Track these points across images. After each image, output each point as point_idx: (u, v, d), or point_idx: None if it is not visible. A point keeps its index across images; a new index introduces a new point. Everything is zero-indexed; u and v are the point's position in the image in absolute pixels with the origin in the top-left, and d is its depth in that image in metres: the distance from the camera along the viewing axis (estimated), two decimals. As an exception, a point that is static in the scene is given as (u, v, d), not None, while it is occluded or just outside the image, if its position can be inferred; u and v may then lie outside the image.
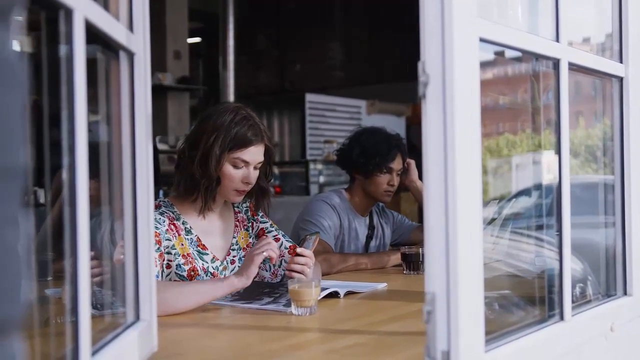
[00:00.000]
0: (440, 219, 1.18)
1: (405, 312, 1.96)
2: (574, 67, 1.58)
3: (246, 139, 2.19)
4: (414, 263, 2.66)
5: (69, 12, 1.00)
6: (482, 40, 1.25)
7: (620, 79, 1.82)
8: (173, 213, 2.24)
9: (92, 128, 1.10)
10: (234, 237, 2.36)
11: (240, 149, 2.19)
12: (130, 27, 1.36)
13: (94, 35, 1.12)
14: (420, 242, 2.97)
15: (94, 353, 1.09)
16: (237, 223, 2.40)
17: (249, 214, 2.44)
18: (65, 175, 1.01)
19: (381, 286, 2.36)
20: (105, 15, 1.17)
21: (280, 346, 1.59)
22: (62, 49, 1.02)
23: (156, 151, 4.84)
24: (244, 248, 2.37)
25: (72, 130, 1.01)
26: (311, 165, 7.49)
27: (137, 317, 1.38)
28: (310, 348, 1.61)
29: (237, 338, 1.71)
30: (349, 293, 2.19)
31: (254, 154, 2.22)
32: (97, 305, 1.36)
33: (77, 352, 1.01)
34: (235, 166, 2.20)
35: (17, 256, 0.60)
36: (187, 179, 2.22)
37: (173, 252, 2.17)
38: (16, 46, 0.61)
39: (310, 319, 1.85)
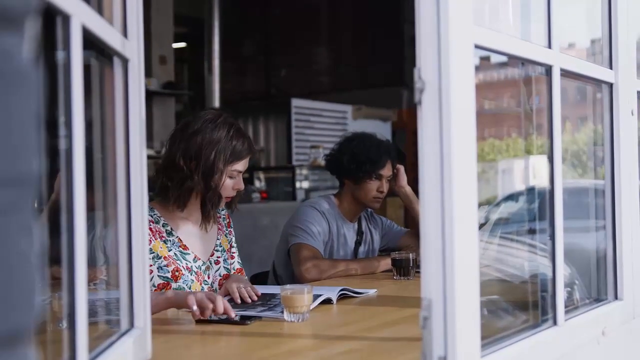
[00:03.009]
0: (436, 225, 1.18)
1: (397, 318, 1.96)
2: (565, 73, 1.60)
3: (243, 152, 2.31)
4: (404, 268, 2.66)
5: (66, 18, 0.99)
6: (477, 46, 1.26)
7: (610, 85, 1.84)
8: (152, 216, 2.27)
9: (85, 134, 1.09)
10: (218, 239, 2.44)
11: (238, 161, 2.30)
12: (125, 33, 1.35)
13: (88, 41, 1.11)
14: (409, 248, 2.98)
15: (90, 361, 1.09)
16: (220, 226, 2.48)
17: (225, 222, 2.53)
18: (62, 181, 1.01)
19: (372, 292, 2.36)
20: (101, 22, 1.17)
21: (274, 353, 1.59)
22: (59, 55, 1.02)
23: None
24: (227, 250, 2.46)
25: (69, 135, 1.00)
26: (297, 171, 7.46)
27: (132, 325, 1.37)
28: (305, 354, 1.60)
29: (231, 345, 1.70)
30: (342, 296, 2.20)
31: (246, 163, 2.35)
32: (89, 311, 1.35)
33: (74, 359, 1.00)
34: (231, 177, 2.31)
35: (31, 264, 0.59)
36: (185, 192, 2.26)
37: (151, 255, 2.20)
38: (30, 54, 0.61)
39: (302, 325, 1.84)
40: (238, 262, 2.52)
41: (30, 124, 0.59)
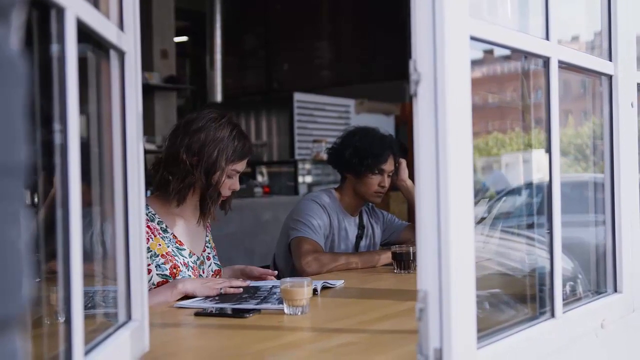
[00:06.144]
0: (432, 217, 1.18)
1: (396, 311, 1.96)
2: (563, 65, 1.59)
3: (245, 153, 2.35)
4: (404, 262, 2.66)
5: (60, 11, 0.99)
6: (473, 38, 1.25)
7: (610, 77, 1.83)
8: (147, 214, 2.29)
9: (81, 128, 1.09)
10: (207, 236, 2.49)
11: (239, 161, 2.34)
12: (121, 26, 1.35)
13: (84, 34, 1.11)
14: (410, 241, 2.98)
15: (86, 353, 1.09)
16: (208, 224, 2.51)
17: (209, 221, 2.54)
18: (57, 176, 1.01)
19: (339, 283, 2.38)
20: (97, 14, 1.17)
21: (272, 345, 1.59)
22: (54, 48, 1.02)
23: (143, 151, 4.85)
24: (213, 247, 2.51)
25: (64, 130, 1.00)
26: (300, 165, 7.47)
27: (129, 317, 1.37)
28: (303, 347, 1.60)
29: (229, 338, 1.70)
30: (324, 288, 2.25)
31: (244, 164, 2.39)
32: (87, 305, 1.36)
33: (70, 352, 1.01)
34: (229, 176, 2.34)
35: (19, 253, 0.60)
36: (186, 187, 2.29)
37: (149, 254, 2.21)
38: (16, 45, 0.61)
39: (302, 318, 1.85)
40: (216, 263, 2.54)
41: (17, 115, 0.59)
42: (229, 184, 2.35)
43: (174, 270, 2.25)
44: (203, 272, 2.38)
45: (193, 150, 2.27)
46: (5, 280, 0.58)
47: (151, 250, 2.23)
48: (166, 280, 2.22)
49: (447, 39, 1.16)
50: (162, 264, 2.24)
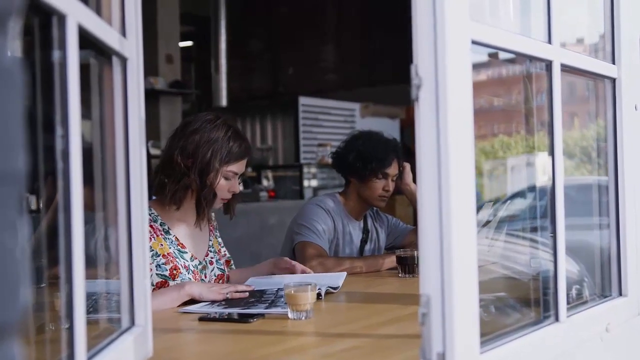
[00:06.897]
0: (434, 221, 1.18)
1: (400, 315, 1.96)
2: (566, 69, 1.59)
3: (241, 154, 2.34)
4: (409, 266, 2.65)
5: (62, 18, 1.00)
6: (474, 42, 1.25)
7: (613, 80, 1.83)
8: (150, 215, 2.29)
9: (84, 134, 1.09)
10: (210, 240, 2.48)
11: (234, 162, 2.33)
12: (123, 32, 1.36)
13: (86, 40, 1.12)
14: (415, 245, 2.97)
15: (89, 358, 1.09)
16: (211, 228, 2.52)
17: (215, 224, 2.56)
18: (59, 181, 1.01)
19: (342, 277, 2.41)
20: (98, 21, 1.17)
21: (276, 350, 1.59)
22: (55, 54, 1.02)
23: (148, 156, 4.84)
24: (217, 252, 2.50)
25: (66, 135, 1.01)
26: (305, 169, 7.47)
27: (132, 323, 1.38)
28: (307, 352, 1.60)
29: (233, 343, 1.70)
30: (328, 293, 2.25)
31: (243, 165, 2.37)
32: (90, 309, 1.36)
33: (72, 357, 1.01)
34: (226, 178, 2.33)
35: (16, 260, 0.60)
36: (181, 189, 2.29)
37: (150, 253, 2.22)
38: (14, 52, 0.61)
39: (306, 323, 1.84)
40: (220, 267, 2.53)
41: (15, 122, 0.59)
42: (228, 186, 2.33)
43: (174, 272, 2.26)
44: (205, 277, 2.38)
45: (188, 151, 2.28)
46: (2, 288, 0.58)
47: (153, 250, 2.24)
48: (165, 281, 2.23)
49: (448, 43, 1.16)
50: (163, 264, 2.24)
